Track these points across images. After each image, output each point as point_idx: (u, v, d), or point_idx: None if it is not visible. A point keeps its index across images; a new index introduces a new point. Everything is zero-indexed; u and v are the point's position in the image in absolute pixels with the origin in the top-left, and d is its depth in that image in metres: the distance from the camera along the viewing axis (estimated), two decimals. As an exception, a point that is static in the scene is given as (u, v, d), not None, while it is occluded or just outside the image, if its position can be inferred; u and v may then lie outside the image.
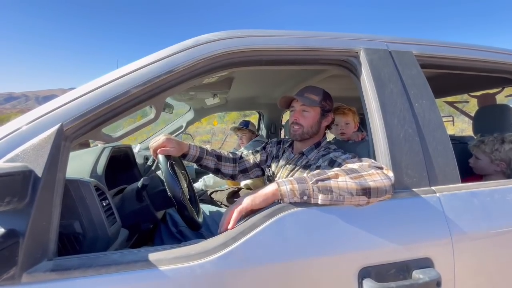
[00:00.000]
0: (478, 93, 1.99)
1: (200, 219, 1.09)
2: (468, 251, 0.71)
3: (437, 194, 0.74)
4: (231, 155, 1.33)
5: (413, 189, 0.74)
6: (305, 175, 0.72)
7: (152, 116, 0.81)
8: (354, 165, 0.75)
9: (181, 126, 2.49)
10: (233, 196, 1.90)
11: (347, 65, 0.90)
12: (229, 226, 0.67)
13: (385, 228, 0.68)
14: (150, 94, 0.73)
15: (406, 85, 0.85)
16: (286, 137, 2.26)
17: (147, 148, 1.10)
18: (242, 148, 2.24)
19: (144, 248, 0.63)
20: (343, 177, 0.68)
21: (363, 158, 0.83)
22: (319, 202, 0.66)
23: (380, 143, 0.78)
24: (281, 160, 1.23)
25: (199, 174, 2.48)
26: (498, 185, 0.82)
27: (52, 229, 0.59)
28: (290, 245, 0.63)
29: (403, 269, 0.66)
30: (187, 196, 1.07)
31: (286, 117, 2.82)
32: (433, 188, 0.75)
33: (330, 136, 2.03)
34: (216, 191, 2.00)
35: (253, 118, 3.19)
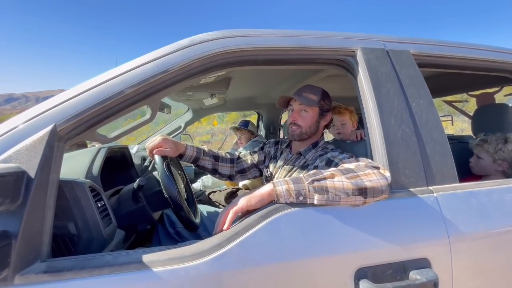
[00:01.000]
0: (477, 93, 1.98)
1: (197, 220, 1.08)
2: (465, 251, 0.71)
3: (435, 194, 0.74)
4: (228, 156, 1.32)
5: (410, 189, 0.74)
6: (301, 175, 0.72)
7: (147, 116, 0.81)
8: (351, 165, 0.75)
9: (180, 127, 2.49)
10: (231, 197, 1.90)
11: (344, 65, 0.89)
12: (225, 227, 0.66)
13: (382, 229, 0.67)
14: (145, 94, 0.72)
15: (404, 84, 0.84)
16: (285, 137, 2.26)
17: (145, 149, 1.10)
18: (241, 149, 2.24)
19: (138, 250, 0.62)
20: (339, 177, 0.68)
21: (360, 158, 0.83)
22: (315, 202, 0.66)
23: (377, 143, 0.78)
24: (279, 161, 1.23)
25: (197, 175, 2.48)
26: (496, 185, 0.81)
27: (46, 230, 0.58)
28: (286, 246, 0.62)
29: (400, 270, 0.66)
30: (184, 196, 1.07)
31: (285, 117, 2.81)
32: (430, 188, 0.75)
33: (329, 136, 2.02)
34: (214, 192, 2.00)
35: (253, 118, 3.19)
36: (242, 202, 0.69)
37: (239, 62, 0.81)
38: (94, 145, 1.54)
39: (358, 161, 0.81)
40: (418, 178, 0.75)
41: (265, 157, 1.32)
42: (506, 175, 1.21)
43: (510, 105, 1.56)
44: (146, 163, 1.82)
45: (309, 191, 0.66)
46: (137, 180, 1.05)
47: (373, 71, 0.83)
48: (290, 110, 1.17)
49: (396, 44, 0.91)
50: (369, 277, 0.63)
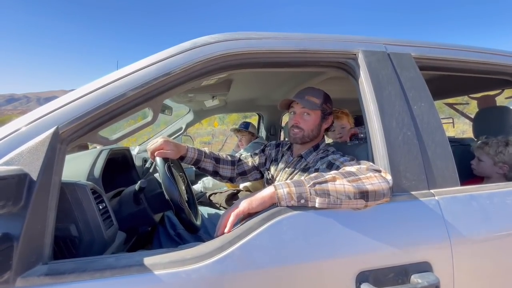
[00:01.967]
0: (478, 95, 1.98)
1: (198, 222, 1.08)
2: (467, 255, 0.71)
3: (436, 197, 0.74)
4: (229, 158, 1.32)
5: (412, 192, 0.74)
6: (303, 178, 0.72)
7: (149, 118, 0.81)
8: (352, 168, 0.75)
9: (181, 128, 2.49)
10: (232, 198, 1.90)
11: (345, 67, 0.89)
12: (226, 230, 0.66)
13: (383, 232, 0.67)
14: (147, 96, 0.72)
15: (405, 87, 0.84)
16: (286, 139, 2.26)
17: (146, 150, 1.10)
18: (242, 150, 2.24)
19: (139, 252, 0.62)
20: (341, 180, 0.68)
21: (362, 161, 0.83)
22: (317, 205, 0.65)
23: (378, 146, 0.78)
24: (280, 163, 1.22)
25: (198, 176, 2.48)
26: (498, 188, 0.81)
27: (47, 232, 0.58)
28: (287, 249, 0.62)
29: (401, 273, 0.66)
30: (185, 198, 1.07)
31: (285, 118, 2.81)
32: (432, 191, 0.75)
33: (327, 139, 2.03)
34: (215, 193, 1.99)
35: (254, 119, 3.19)
36: (244, 204, 0.69)
37: (241, 65, 0.82)
38: (96, 147, 1.55)
39: (359, 164, 0.81)
40: (419, 181, 0.75)
41: (266, 159, 1.32)
42: (507, 178, 1.21)
43: (511, 107, 1.56)
44: (147, 165, 1.82)
45: (310, 194, 0.66)
46: (139, 182, 1.05)
47: (374, 73, 0.84)
48: (292, 113, 1.16)
49: (397, 47, 0.91)
50: (371, 281, 0.63)
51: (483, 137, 1.31)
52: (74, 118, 0.64)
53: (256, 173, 1.34)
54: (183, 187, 1.15)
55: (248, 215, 0.69)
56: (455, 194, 0.76)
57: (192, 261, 0.58)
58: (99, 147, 1.51)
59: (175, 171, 1.05)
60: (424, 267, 0.67)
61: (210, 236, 0.67)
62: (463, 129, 10.55)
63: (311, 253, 0.63)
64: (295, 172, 1.13)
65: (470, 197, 0.77)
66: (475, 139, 1.55)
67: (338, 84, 1.74)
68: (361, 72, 0.85)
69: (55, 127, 0.62)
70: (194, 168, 2.17)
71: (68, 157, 0.67)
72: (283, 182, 0.70)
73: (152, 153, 1.04)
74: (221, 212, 1.45)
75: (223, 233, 0.66)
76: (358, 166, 0.77)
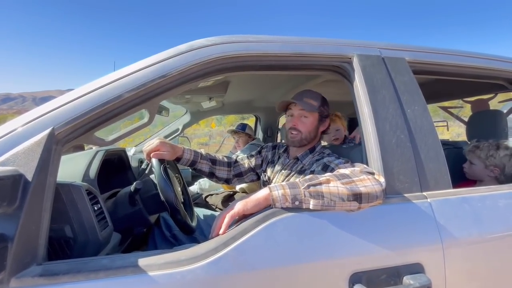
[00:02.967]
0: (472, 99, 2.01)
1: (193, 223, 1.09)
2: (458, 256, 0.72)
3: (428, 200, 0.75)
4: (226, 159, 1.33)
5: (405, 195, 0.75)
6: (298, 180, 0.73)
7: (146, 120, 0.81)
8: (346, 171, 0.76)
9: (178, 129, 2.49)
10: (228, 200, 1.90)
11: (340, 71, 0.90)
12: (221, 231, 0.67)
13: (376, 234, 0.68)
14: (143, 98, 0.73)
15: (399, 91, 0.85)
16: (283, 141, 2.27)
17: (142, 151, 1.10)
18: (238, 152, 2.24)
19: (134, 253, 0.63)
20: (335, 183, 0.68)
21: (356, 164, 0.84)
22: (311, 207, 0.66)
23: (372, 149, 0.79)
24: (276, 165, 1.23)
25: (195, 177, 2.48)
26: (489, 191, 0.83)
27: (42, 233, 0.58)
28: (282, 250, 0.63)
29: (394, 275, 0.66)
30: (181, 200, 1.07)
31: (282, 120, 2.83)
32: (424, 193, 0.76)
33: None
34: (211, 195, 2.00)
35: (251, 121, 3.20)
36: (239, 206, 0.70)
37: (237, 68, 0.82)
38: (91, 148, 1.54)
39: (353, 166, 0.82)
40: (412, 183, 0.76)
41: (262, 161, 1.32)
42: (499, 181, 1.23)
43: (504, 111, 1.59)
44: (143, 166, 1.82)
45: (305, 196, 0.67)
46: (134, 183, 1.05)
47: (369, 77, 0.85)
48: (290, 115, 1.17)
49: (392, 51, 0.92)
50: (364, 282, 0.64)
51: (474, 141, 1.33)
52: (70, 119, 0.64)
53: (252, 174, 1.34)
54: (179, 189, 1.16)
55: (243, 217, 0.69)
56: (447, 197, 0.77)
57: (187, 262, 0.58)
58: (94, 147, 1.51)
59: (171, 173, 1.05)
60: (416, 269, 0.68)
61: (206, 238, 0.67)
62: (458, 131, 10.65)
63: (305, 255, 0.63)
64: (291, 174, 1.13)
65: (462, 199, 0.78)
66: (469, 142, 1.57)
67: (334, 87, 1.75)
68: (356, 75, 0.86)
69: (51, 128, 0.62)
70: (190, 169, 2.17)
71: (63, 157, 0.67)
72: (278, 184, 0.71)
73: (148, 155, 1.04)
74: (217, 213, 1.46)
75: (218, 234, 0.66)
76: (352, 169, 0.77)
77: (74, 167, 1.14)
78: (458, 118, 2.39)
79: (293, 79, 1.72)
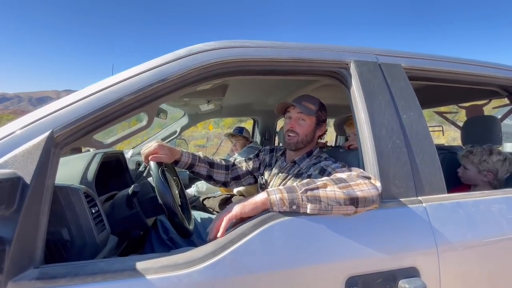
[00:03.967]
0: (467, 104, 2.04)
1: (191, 227, 1.09)
2: (453, 260, 0.73)
3: (424, 204, 0.76)
4: (223, 162, 1.33)
5: (400, 199, 0.76)
6: (295, 184, 0.73)
7: (144, 123, 0.82)
8: (343, 175, 0.77)
9: (176, 131, 2.49)
10: (226, 203, 1.90)
11: (337, 76, 0.92)
12: (218, 234, 0.67)
13: (372, 238, 0.69)
14: (142, 102, 0.73)
15: (395, 97, 0.87)
16: (280, 144, 2.27)
17: (140, 154, 1.10)
18: (236, 155, 2.25)
19: (132, 257, 0.63)
20: (332, 187, 0.69)
21: (353, 168, 0.85)
22: (308, 211, 0.67)
23: (368, 153, 0.80)
24: (274, 169, 1.24)
25: (192, 180, 2.48)
26: (483, 196, 0.84)
27: (39, 236, 0.58)
28: (279, 254, 0.63)
29: (389, 279, 0.67)
30: (178, 203, 1.07)
31: (280, 123, 2.84)
32: (419, 198, 0.77)
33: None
34: (209, 198, 1.99)
35: (248, 124, 3.21)
36: (236, 209, 0.70)
37: (236, 72, 0.83)
38: (89, 150, 1.54)
39: (350, 170, 0.83)
40: (408, 188, 0.77)
41: (260, 164, 1.33)
42: (492, 185, 1.25)
43: (498, 117, 1.61)
44: (141, 168, 1.81)
45: (302, 200, 0.67)
46: (132, 186, 1.05)
47: (365, 83, 0.86)
48: (288, 118, 1.19)
49: (388, 58, 0.94)
50: (360, 286, 0.65)
51: (468, 146, 1.35)
52: (69, 122, 0.64)
53: (250, 177, 1.35)
54: (177, 192, 1.16)
55: (241, 220, 0.70)
56: (442, 202, 0.78)
57: (184, 266, 0.59)
58: (92, 150, 1.50)
59: (168, 176, 1.05)
60: (411, 273, 0.68)
61: (203, 241, 0.67)
62: (454, 136, 10.73)
63: (302, 258, 0.64)
64: (288, 178, 1.14)
65: (456, 204, 0.79)
66: (464, 147, 1.59)
67: (332, 91, 1.77)
68: (352, 81, 0.87)
69: (50, 131, 0.62)
70: (188, 172, 2.17)
71: (61, 160, 0.67)
72: (276, 188, 0.71)
73: (146, 157, 1.04)
74: (214, 216, 1.46)
75: (215, 237, 0.67)
76: (348, 173, 0.78)
77: (72, 170, 1.13)
78: (453, 123, 2.42)
79: (291, 83, 1.73)
